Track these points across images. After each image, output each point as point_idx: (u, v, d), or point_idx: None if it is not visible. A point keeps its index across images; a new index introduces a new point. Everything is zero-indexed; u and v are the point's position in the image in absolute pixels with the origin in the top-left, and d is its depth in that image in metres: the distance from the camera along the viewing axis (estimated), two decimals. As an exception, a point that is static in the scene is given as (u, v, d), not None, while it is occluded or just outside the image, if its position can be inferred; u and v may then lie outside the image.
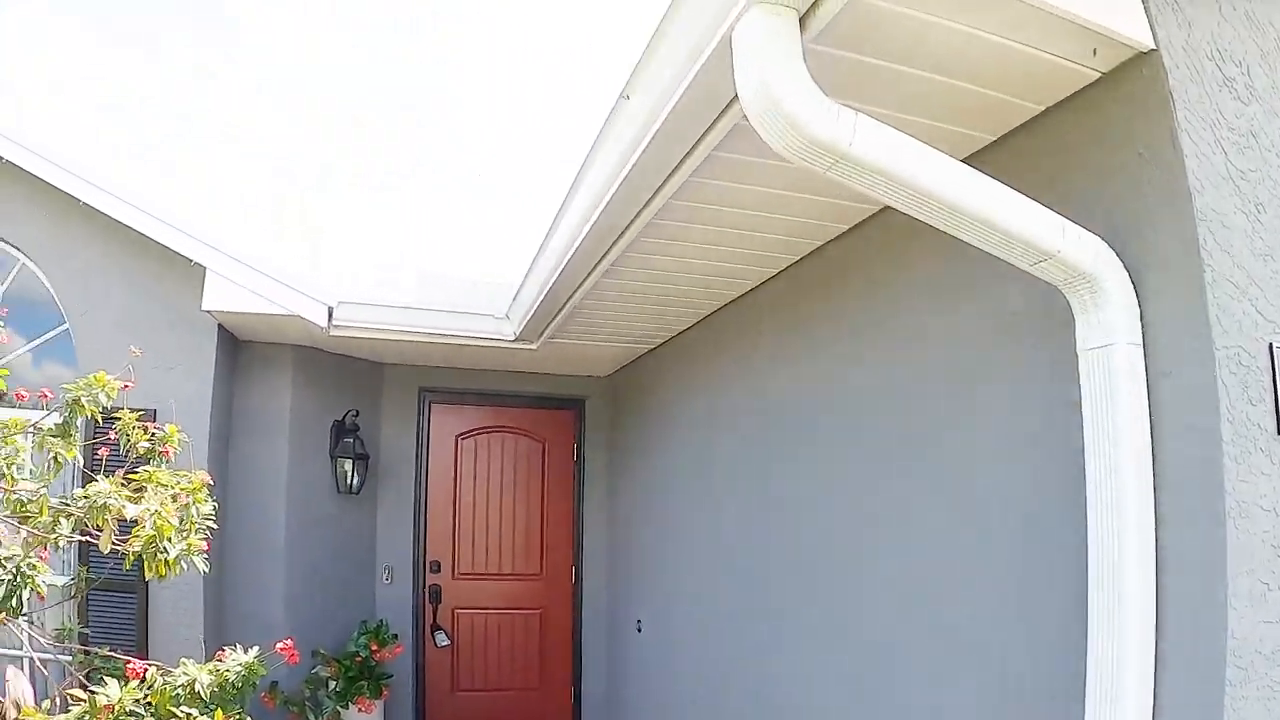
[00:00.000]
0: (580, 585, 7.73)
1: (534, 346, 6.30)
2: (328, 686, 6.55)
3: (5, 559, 4.20)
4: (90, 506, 3.67)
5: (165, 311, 6.14)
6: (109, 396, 3.94)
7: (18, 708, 3.53)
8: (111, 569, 5.94)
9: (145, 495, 3.76)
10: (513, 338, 6.17)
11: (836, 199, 3.42)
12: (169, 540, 3.78)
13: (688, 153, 3.04)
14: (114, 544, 3.86)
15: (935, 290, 3.12)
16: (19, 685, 4.08)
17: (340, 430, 7.02)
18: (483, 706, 7.66)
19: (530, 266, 5.10)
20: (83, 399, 3.89)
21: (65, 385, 3.92)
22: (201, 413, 6.10)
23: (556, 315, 5.44)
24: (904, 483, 3.27)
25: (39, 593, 4.37)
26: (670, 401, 6.05)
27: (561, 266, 4.45)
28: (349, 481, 6.98)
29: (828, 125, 2.00)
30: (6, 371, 3.83)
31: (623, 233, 3.89)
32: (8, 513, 3.99)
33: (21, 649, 5.27)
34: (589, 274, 4.55)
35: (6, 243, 6.39)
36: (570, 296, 5.02)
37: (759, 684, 4.41)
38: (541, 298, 5.08)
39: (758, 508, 4.55)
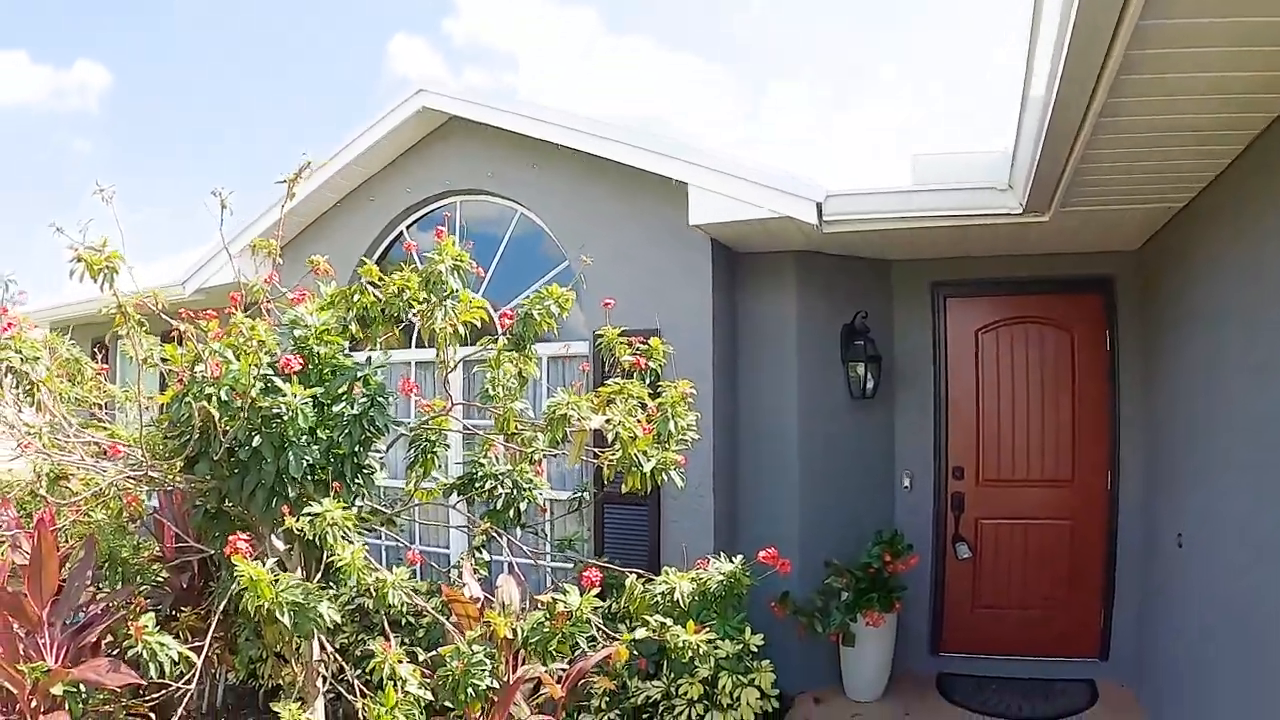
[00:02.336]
0: (1115, 492, 6.78)
1: (1045, 218, 5.50)
2: (839, 598, 6.42)
3: (502, 474, 4.49)
4: (549, 418, 3.75)
5: (655, 234, 6.38)
6: (560, 307, 4.00)
7: (503, 607, 3.73)
8: (614, 483, 6.27)
9: (612, 407, 3.76)
10: (1020, 209, 5.43)
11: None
12: (642, 454, 3.77)
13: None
14: (590, 459, 3.94)
15: None
16: (508, 589, 4.33)
17: (850, 334, 6.79)
18: (1004, 626, 7.11)
19: (1018, 125, 4.42)
20: (534, 311, 3.97)
21: (519, 301, 4.03)
22: (703, 328, 6.20)
23: (1061, 175, 4.63)
24: None
25: (537, 505, 4.63)
26: (1211, 272, 4.95)
27: (1048, 117, 3.72)
28: (863, 386, 6.75)
29: None
30: (484, 302, 4.00)
31: (1106, 55, 3.08)
32: (496, 430, 4.22)
33: (536, 557, 5.70)
34: (1082, 119, 3.72)
35: (505, 198, 7.07)
36: (1070, 150, 4.20)
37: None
38: (1038, 157, 4.34)
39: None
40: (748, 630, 5.40)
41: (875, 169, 6.62)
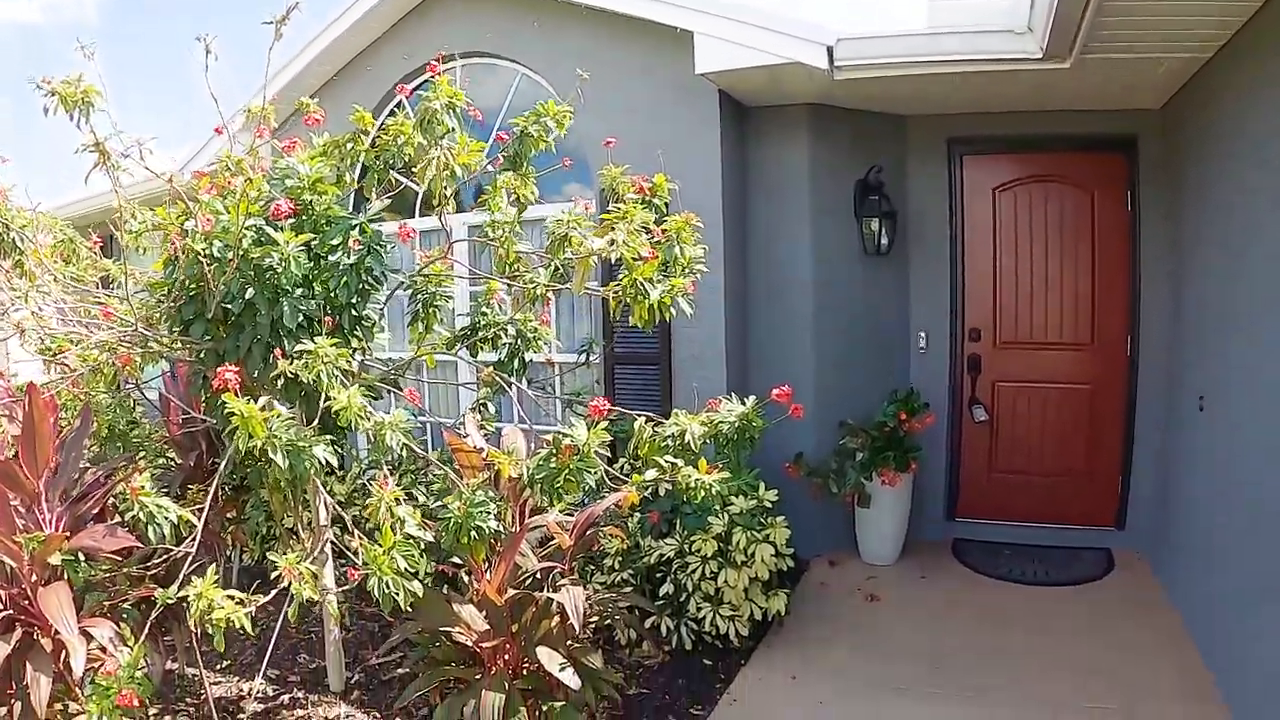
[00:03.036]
0: (1135, 357, 6.60)
1: (1066, 65, 5.17)
2: (854, 458, 6.32)
3: (505, 323, 4.35)
4: (551, 238, 3.60)
5: (663, 87, 6.17)
6: (558, 124, 3.84)
7: (508, 454, 3.62)
8: (623, 336, 6.11)
9: (615, 231, 3.59)
10: (1039, 54, 5.13)
11: None
12: (648, 281, 3.61)
13: None
14: (594, 292, 3.79)
15: None
16: (514, 438, 4.22)
17: (864, 189, 6.58)
18: (1021, 492, 7.02)
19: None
20: (530, 129, 3.81)
21: (514, 120, 3.87)
22: (713, 180, 6.03)
23: (1082, 15, 4.37)
24: None
25: (545, 359, 4.49)
26: (1245, 112, 4.63)
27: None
28: (877, 242, 6.55)
29: None
30: (482, 145, 3.83)
31: None
32: (497, 271, 4.07)
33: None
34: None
35: (506, 59, 6.90)
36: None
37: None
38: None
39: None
40: (762, 486, 5.30)
41: (891, 15, 6.32)
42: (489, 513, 3.25)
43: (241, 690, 5.02)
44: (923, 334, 6.95)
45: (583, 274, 3.60)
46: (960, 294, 6.91)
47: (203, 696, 4.72)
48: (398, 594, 3.04)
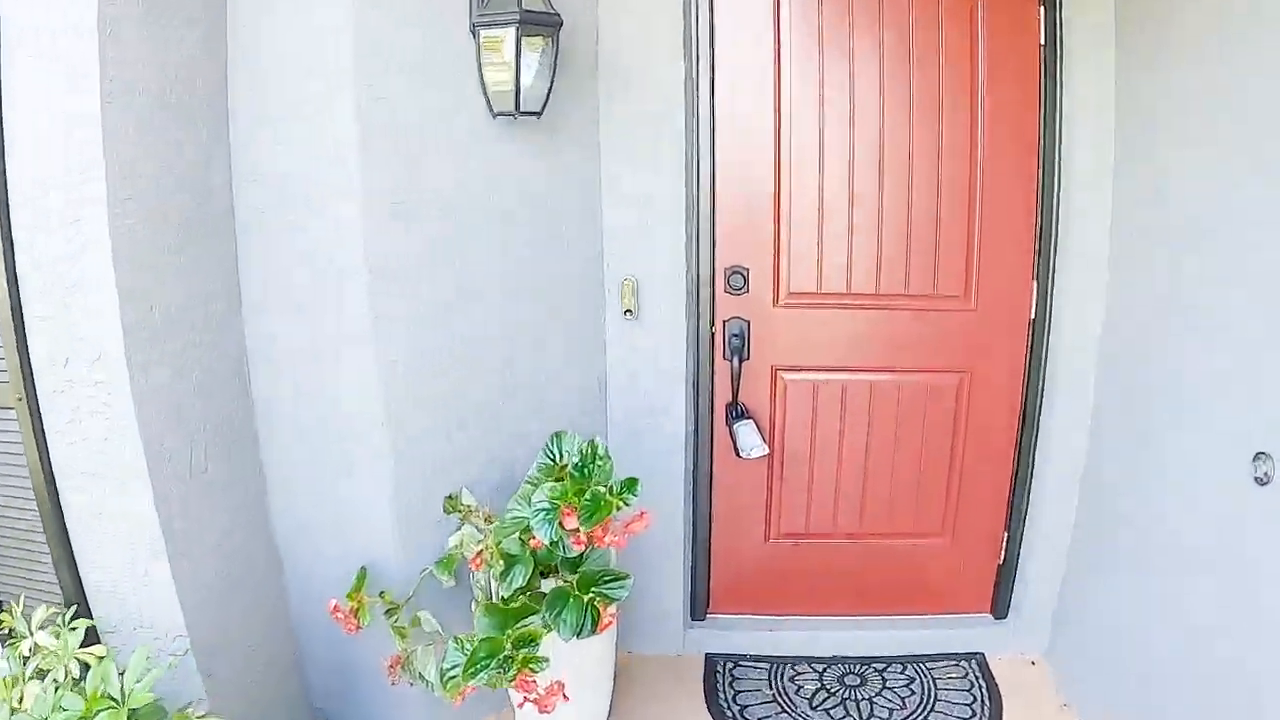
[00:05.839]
0: (1046, 323, 3.48)
1: None
2: (482, 590, 2.89)
3: None
4: None
5: None
6: None
7: None
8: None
9: None
10: None
11: None
12: None
13: None
14: None
15: None
16: None
17: (490, -28, 2.92)
18: (827, 565, 3.87)
19: None
20: None
21: None
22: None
23: None
24: None
25: None
26: None
27: None
28: (517, 84, 2.86)
29: None
30: None
31: None
32: None
33: None
34: None
35: None
36: None
37: None
38: None
39: None
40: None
41: None
42: None
43: None
44: (629, 282, 3.45)
45: None
46: (708, 199, 3.44)
47: None
48: None
